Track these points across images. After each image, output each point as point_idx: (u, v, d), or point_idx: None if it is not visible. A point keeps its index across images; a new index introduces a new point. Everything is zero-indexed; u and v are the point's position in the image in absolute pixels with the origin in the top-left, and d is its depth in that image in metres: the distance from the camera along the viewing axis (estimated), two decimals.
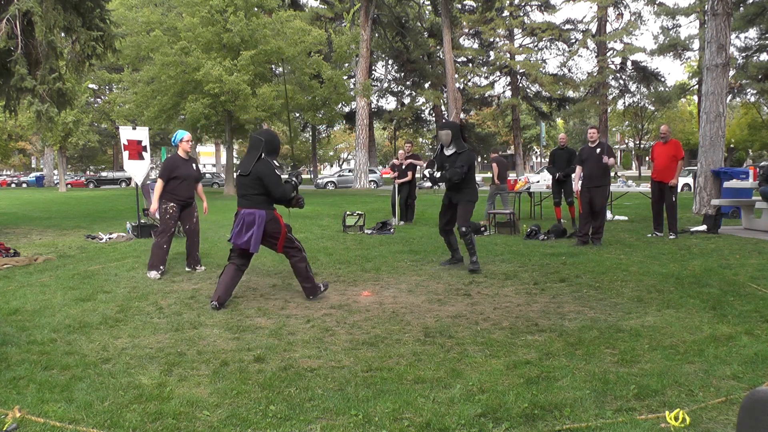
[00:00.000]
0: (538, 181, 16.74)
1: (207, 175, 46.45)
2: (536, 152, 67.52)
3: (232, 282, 5.14)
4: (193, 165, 6.84)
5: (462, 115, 38.73)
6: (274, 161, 5.14)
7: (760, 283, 5.65)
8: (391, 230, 10.35)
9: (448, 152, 6.85)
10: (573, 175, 9.54)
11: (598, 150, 8.55)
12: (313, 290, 5.33)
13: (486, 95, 40.77)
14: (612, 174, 8.59)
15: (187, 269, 6.85)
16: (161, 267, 6.55)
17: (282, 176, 5.25)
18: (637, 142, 49.34)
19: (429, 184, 6.92)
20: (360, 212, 10.84)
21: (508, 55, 37.75)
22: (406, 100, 43.07)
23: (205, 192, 7.06)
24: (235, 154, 38.15)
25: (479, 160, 52.33)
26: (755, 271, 6.28)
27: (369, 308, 4.99)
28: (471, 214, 6.75)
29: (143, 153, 10.32)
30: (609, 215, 11.80)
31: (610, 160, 8.33)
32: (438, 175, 6.76)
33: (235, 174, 5.16)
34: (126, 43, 19.46)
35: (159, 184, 6.64)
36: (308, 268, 5.30)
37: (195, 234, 6.91)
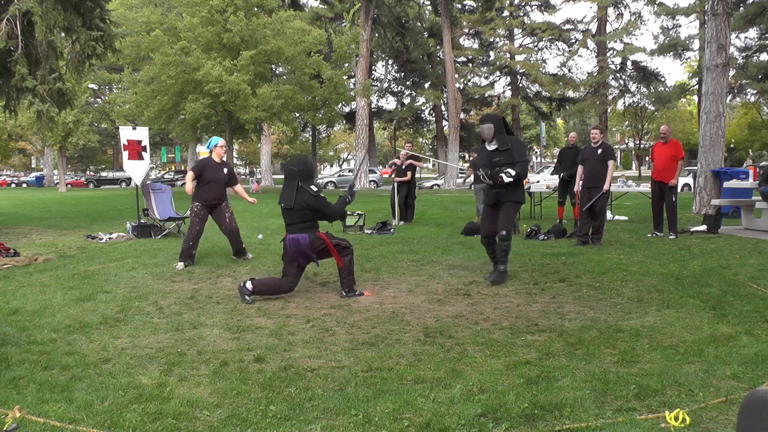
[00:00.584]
0: (538, 181, 16.73)
1: None
2: (536, 152, 67.50)
3: (274, 285, 5.40)
4: (224, 169, 7.25)
5: (462, 115, 38.73)
6: (311, 186, 5.41)
7: (760, 283, 5.65)
8: (391, 230, 10.35)
9: (491, 148, 6.16)
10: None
11: (599, 151, 8.55)
12: (350, 284, 5.46)
13: (486, 95, 40.76)
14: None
15: (239, 260, 7.33)
16: (188, 261, 7.05)
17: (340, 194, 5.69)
18: (637, 142, 49.35)
19: (486, 185, 6.17)
20: (360, 212, 10.84)
21: (508, 55, 37.74)
22: (406, 100, 43.08)
23: None
24: (235, 154, 38.13)
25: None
26: (755, 271, 6.28)
27: (369, 308, 4.99)
28: (515, 215, 6.25)
29: (143, 153, 10.33)
30: (609, 215, 11.80)
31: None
32: (511, 172, 5.95)
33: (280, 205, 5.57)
34: (126, 43, 19.45)
35: (189, 174, 7.21)
36: (352, 262, 5.51)
37: (233, 232, 7.29)
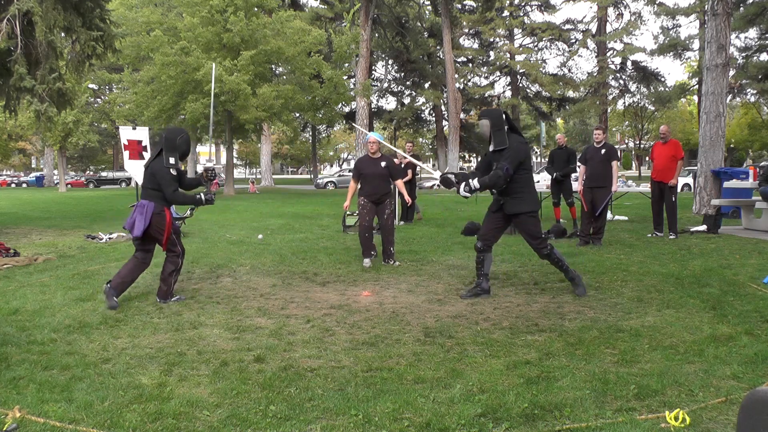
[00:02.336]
0: (538, 182, 16.72)
1: None
2: (536, 152, 67.48)
3: (130, 274, 5.19)
4: (382, 163, 7.22)
5: (462, 115, 38.73)
6: (170, 158, 5.12)
7: (760, 283, 5.65)
8: None
9: (492, 148, 5.32)
10: (575, 175, 9.54)
11: (603, 151, 8.56)
12: (165, 294, 5.20)
13: (486, 95, 40.76)
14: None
15: (383, 263, 7.21)
16: (372, 253, 7.14)
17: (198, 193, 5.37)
18: (637, 142, 49.36)
19: (466, 195, 5.32)
20: None
21: (508, 55, 37.76)
22: (406, 100, 43.07)
23: None
24: (235, 154, 38.13)
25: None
26: (755, 271, 6.28)
27: (369, 308, 4.99)
28: (538, 227, 5.26)
29: (143, 153, 10.34)
30: (609, 215, 11.81)
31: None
32: (475, 185, 5.16)
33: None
34: (126, 43, 19.46)
35: (352, 184, 7.43)
36: (173, 274, 5.23)
37: (388, 231, 7.28)
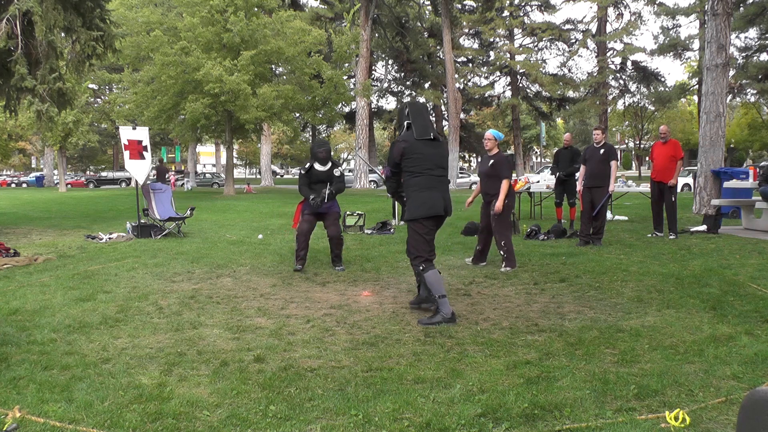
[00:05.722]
0: (538, 181, 16.73)
1: (207, 175, 46.54)
2: (536, 152, 67.52)
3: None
4: (490, 162, 7.02)
5: (462, 115, 38.74)
6: (307, 164, 6.93)
7: (760, 283, 5.65)
8: (391, 230, 10.35)
9: None
10: (577, 175, 9.54)
11: (602, 151, 8.57)
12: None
13: (486, 95, 40.74)
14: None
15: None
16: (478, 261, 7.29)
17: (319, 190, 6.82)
18: (637, 142, 49.37)
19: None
20: (360, 212, 10.84)
21: (508, 55, 37.74)
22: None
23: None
24: (234, 154, 38.12)
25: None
26: (755, 271, 6.28)
27: (369, 308, 4.99)
28: (416, 238, 4.71)
29: (144, 153, 10.33)
30: (609, 215, 11.81)
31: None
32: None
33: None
34: (126, 43, 19.42)
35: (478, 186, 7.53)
36: (335, 244, 6.97)
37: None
